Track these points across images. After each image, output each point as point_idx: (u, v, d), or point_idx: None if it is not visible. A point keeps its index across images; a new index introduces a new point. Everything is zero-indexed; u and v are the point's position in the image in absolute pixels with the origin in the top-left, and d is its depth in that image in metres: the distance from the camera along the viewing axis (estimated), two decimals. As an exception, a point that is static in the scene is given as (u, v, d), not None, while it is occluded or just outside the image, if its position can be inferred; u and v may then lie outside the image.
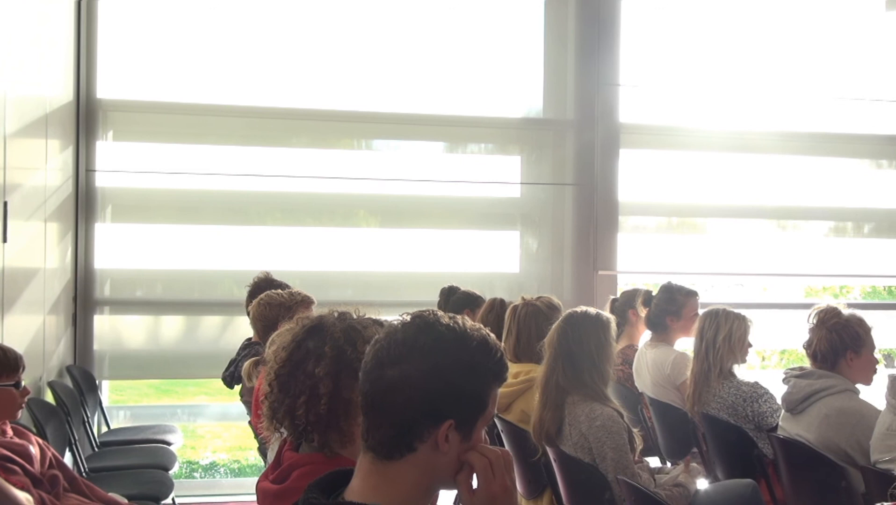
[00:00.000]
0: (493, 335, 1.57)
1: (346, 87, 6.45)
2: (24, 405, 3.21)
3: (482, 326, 1.57)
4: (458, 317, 1.55)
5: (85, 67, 6.04)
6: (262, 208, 6.48)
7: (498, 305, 4.58)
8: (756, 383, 4.02)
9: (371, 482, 1.51)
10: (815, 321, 3.68)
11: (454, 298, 5.13)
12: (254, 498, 2.00)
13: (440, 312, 1.55)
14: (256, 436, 3.83)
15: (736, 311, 4.12)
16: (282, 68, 6.36)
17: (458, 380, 1.49)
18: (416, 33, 6.59)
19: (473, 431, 1.52)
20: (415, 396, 1.47)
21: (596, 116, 6.66)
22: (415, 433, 1.48)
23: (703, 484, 3.73)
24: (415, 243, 6.64)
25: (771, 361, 9.15)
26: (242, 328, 5.52)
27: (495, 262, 6.78)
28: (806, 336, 3.72)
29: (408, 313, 1.56)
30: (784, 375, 3.76)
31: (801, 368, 3.71)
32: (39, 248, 5.18)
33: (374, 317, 1.98)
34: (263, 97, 6.33)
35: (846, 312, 3.66)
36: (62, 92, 5.70)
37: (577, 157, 6.70)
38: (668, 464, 4.58)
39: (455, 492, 4.30)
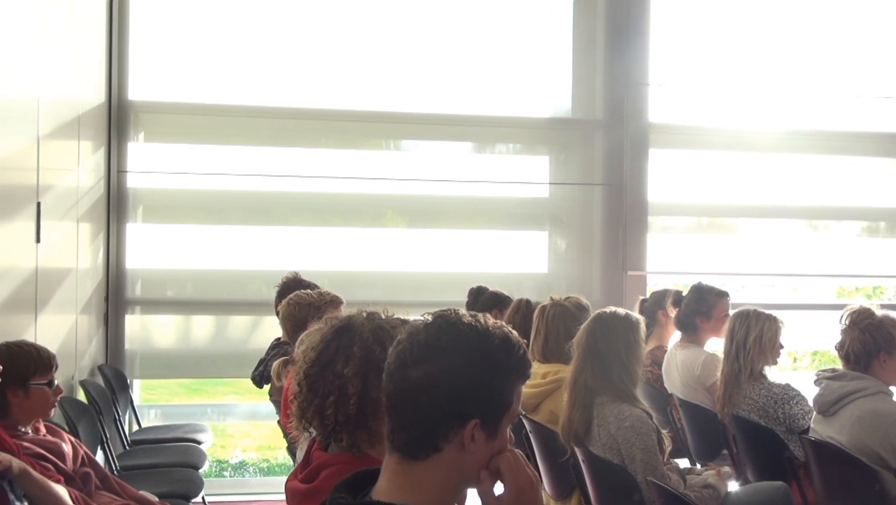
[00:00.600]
0: (515, 332, 1.56)
1: (375, 88, 6.46)
2: (56, 404, 3.24)
3: (504, 323, 1.57)
4: (480, 315, 1.55)
5: (117, 69, 6.09)
6: (291, 209, 6.51)
7: (524, 306, 4.56)
8: (787, 385, 3.98)
9: (398, 482, 1.51)
10: (847, 322, 3.63)
11: (482, 299, 5.12)
12: (283, 497, 2.01)
13: (462, 311, 1.54)
14: (285, 435, 3.85)
15: (767, 311, 4.09)
16: (310, 69, 6.38)
17: (482, 379, 1.49)
18: (444, 33, 6.59)
19: (499, 430, 1.52)
20: (439, 397, 1.47)
21: (625, 116, 6.62)
22: (440, 433, 1.48)
23: (733, 486, 3.70)
24: (443, 243, 6.64)
25: (802, 363, 9.05)
26: (271, 328, 5.55)
27: (524, 262, 6.77)
28: (838, 337, 3.68)
29: (430, 313, 1.55)
30: (816, 377, 3.72)
31: (833, 370, 3.67)
32: (72, 248, 5.24)
33: (402, 317, 1.98)
34: (292, 98, 6.36)
35: (879, 312, 3.61)
36: (94, 94, 5.76)
37: (605, 157, 6.67)
38: (698, 465, 4.54)
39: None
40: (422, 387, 1.48)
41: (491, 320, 1.55)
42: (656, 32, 6.68)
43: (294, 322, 4.00)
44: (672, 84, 6.82)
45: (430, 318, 1.54)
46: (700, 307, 4.75)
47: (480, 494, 1.56)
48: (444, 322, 1.52)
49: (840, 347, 3.64)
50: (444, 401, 1.47)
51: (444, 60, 6.58)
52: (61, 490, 2.74)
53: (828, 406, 3.57)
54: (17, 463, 2.57)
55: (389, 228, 6.64)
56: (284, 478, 2.10)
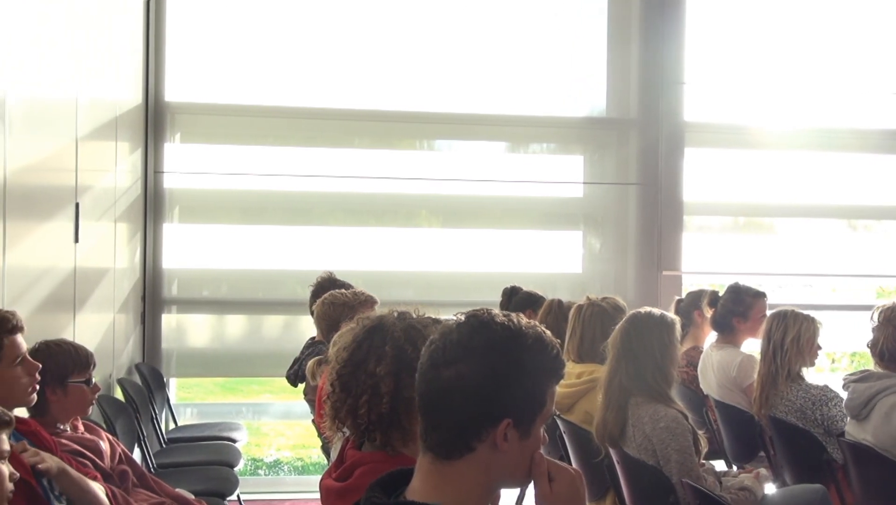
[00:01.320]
0: (548, 332, 1.55)
1: (408, 88, 6.47)
2: (94, 402, 3.28)
3: (538, 323, 1.56)
4: (513, 315, 1.54)
5: (153, 71, 6.16)
6: (325, 209, 6.54)
7: (556, 307, 4.54)
8: (826, 386, 3.92)
9: (431, 482, 1.51)
10: (879, 319, 3.57)
11: (516, 299, 5.10)
12: (317, 495, 2.01)
13: (495, 311, 1.53)
14: (320, 434, 3.86)
15: (804, 312, 4.04)
16: (344, 70, 6.40)
17: (515, 379, 1.48)
18: (479, 33, 6.57)
19: (532, 429, 1.51)
20: (471, 397, 1.47)
21: (660, 115, 6.57)
22: (473, 433, 1.48)
23: (770, 489, 3.66)
24: (476, 243, 6.62)
25: (841, 364, 8.92)
26: (306, 327, 5.58)
27: (558, 262, 6.74)
28: (870, 335, 3.62)
29: (462, 312, 1.54)
30: (843, 382, 3.67)
31: (860, 373, 3.61)
32: (109, 248, 5.29)
33: (433, 316, 1.98)
34: (326, 99, 6.39)
35: None
36: (131, 95, 5.82)
37: (640, 156, 6.62)
38: (734, 468, 4.50)
39: (517, 491, 4.29)
40: (454, 387, 1.47)
41: (524, 320, 1.54)
42: (692, 30, 6.63)
43: (328, 321, 4.00)
44: (708, 82, 6.76)
45: (462, 317, 1.53)
46: (737, 307, 4.70)
47: (537, 492, 1.56)
48: (477, 322, 1.51)
49: (873, 345, 3.58)
50: (476, 401, 1.47)
51: (478, 60, 6.57)
52: (98, 488, 2.77)
53: (859, 409, 3.51)
54: (55, 462, 2.60)
55: (423, 228, 6.65)
56: (318, 476, 2.11)
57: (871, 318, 3.62)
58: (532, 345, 1.50)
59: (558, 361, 1.54)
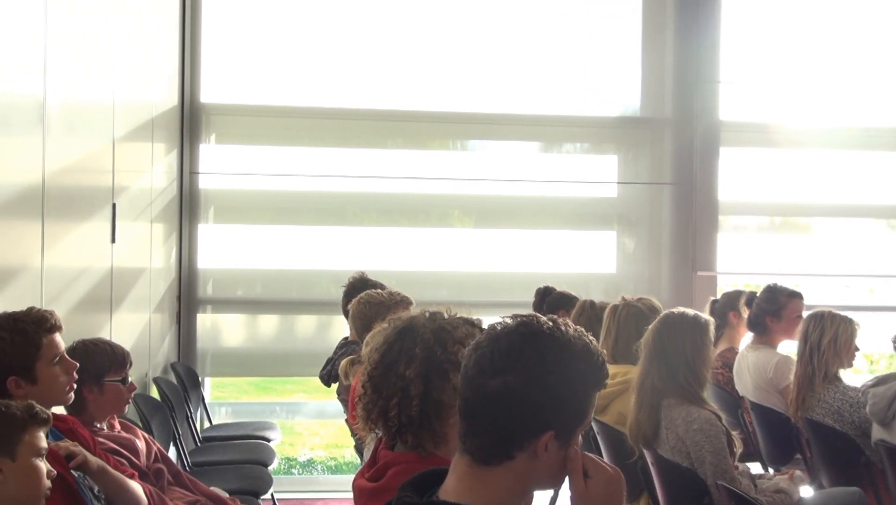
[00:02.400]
0: (594, 340, 1.53)
1: (442, 88, 6.48)
2: (130, 400, 3.31)
3: (584, 331, 1.54)
4: (561, 322, 1.52)
5: (189, 72, 6.21)
6: (359, 209, 6.56)
7: (588, 308, 4.51)
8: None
9: (466, 484, 1.50)
10: None
11: (550, 299, 5.09)
12: (350, 495, 2.02)
13: (543, 319, 1.51)
14: (353, 434, 3.87)
15: (842, 313, 3.99)
16: (378, 71, 6.42)
17: (561, 392, 1.47)
18: (512, 32, 6.56)
19: (572, 439, 1.51)
20: (517, 408, 1.46)
21: (695, 114, 6.52)
22: (515, 442, 1.47)
23: (806, 492, 3.61)
24: (510, 243, 6.61)
25: (880, 366, 8.81)
26: (339, 327, 5.60)
27: (591, 262, 6.71)
28: None
29: (509, 316, 1.53)
30: (861, 390, 3.62)
31: (874, 378, 3.56)
32: (146, 248, 5.35)
33: (465, 316, 1.97)
34: (360, 99, 6.41)
35: None
36: (167, 96, 5.88)
37: (675, 155, 6.58)
38: (770, 470, 4.45)
39: (551, 492, 4.27)
40: (501, 397, 1.46)
41: (571, 328, 1.52)
42: (727, 28, 6.57)
43: (364, 321, 4.00)
44: (743, 81, 6.70)
45: (510, 322, 1.51)
46: (770, 307, 4.66)
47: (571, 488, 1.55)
48: (527, 330, 1.49)
49: None
50: (521, 413, 1.46)
51: (511, 59, 6.56)
52: (136, 487, 2.80)
53: (883, 413, 3.45)
54: (93, 460, 2.63)
55: (456, 228, 6.65)
56: (352, 476, 2.11)
57: None
58: (580, 356, 1.49)
59: (603, 371, 1.53)
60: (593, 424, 3.93)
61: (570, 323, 1.54)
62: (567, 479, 1.53)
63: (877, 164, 6.85)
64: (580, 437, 1.55)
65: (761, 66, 6.74)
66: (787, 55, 6.73)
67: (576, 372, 1.48)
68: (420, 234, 6.57)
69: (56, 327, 2.71)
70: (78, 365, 2.82)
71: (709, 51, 6.53)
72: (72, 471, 2.53)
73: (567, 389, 1.47)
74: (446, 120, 6.53)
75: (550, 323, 1.50)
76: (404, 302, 4.02)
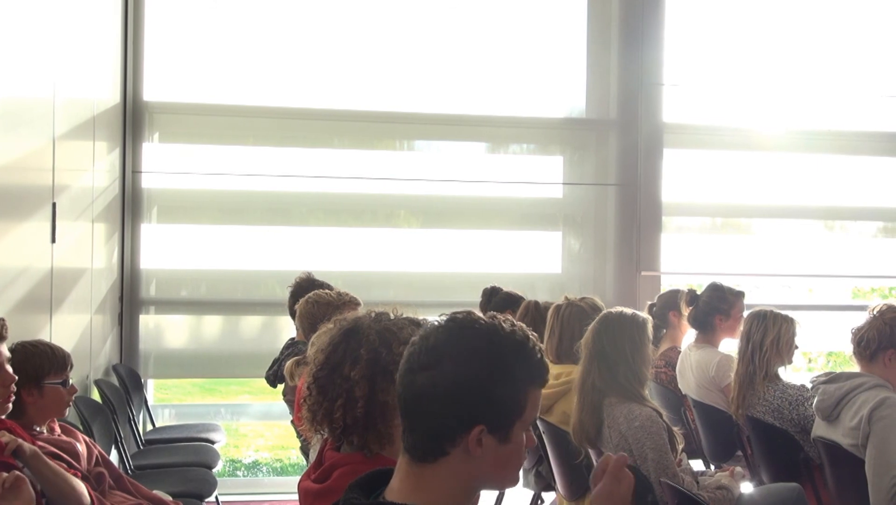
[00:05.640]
0: (534, 336, 1.54)
1: (388, 88, 6.46)
2: (71, 403, 3.25)
3: (525, 327, 1.54)
4: (499, 317, 1.52)
5: (132, 70, 6.12)
6: (305, 209, 6.52)
7: (532, 308, 4.54)
8: (802, 386, 3.95)
9: (409, 483, 1.51)
10: (876, 312, 3.56)
11: (496, 299, 5.11)
12: (296, 497, 2.01)
13: (476, 315, 1.52)
14: (299, 435, 3.85)
15: (783, 312, 4.06)
16: (323, 70, 6.39)
17: (489, 386, 1.47)
18: (458, 33, 6.58)
19: (510, 435, 1.50)
20: (443, 403, 1.46)
21: (639, 116, 6.60)
22: (446, 438, 1.47)
23: (747, 488, 3.68)
24: (456, 244, 6.63)
25: (817, 364, 9.00)
26: (285, 328, 5.56)
27: (537, 262, 6.75)
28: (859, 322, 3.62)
29: (445, 314, 1.53)
30: (811, 384, 3.68)
31: (826, 374, 3.62)
32: (87, 248, 5.26)
33: (412, 317, 1.97)
34: (306, 99, 6.37)
35: None
36: (109, 94, 5.79)
37: (620, 157, 6.65)
38: (712, 467, 4.53)
39: (496, 492, 4.29)
40: (427, 392, 1.47)
41: (508, 324, 1.52)
42: (671, 32, 6.66)
43: (311, 320, 3.98)
44: (686, 84, 6.80)
45: (443, 320, 1.52)
46: (721, 305, 4.73)
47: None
48: (455, 326, 1.50)
49: (857, 331, 3.57)
50: (448, 407, 1.46)
51: (458, 60, 6.58)
52: (77, 481, 2.76)
53: (829, 410, 3.51)
54: (27, 445, 2.58)
55: (402, 229, 6.64)
56: (297, 478, 2.10)
57: (870, 311, 3.61)
58: (510, 351, 1.49)
59: (540, 367, 1.52)
60: (539, 423, 3.95)
61: (512, 320, 1.54)
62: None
63: (815, 166, 6.99)
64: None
65: (704, 70, 6.85)
66: (730, 59, 6.85)
67: (505, 366, 1.48)
68: (366, 235, 6.54)
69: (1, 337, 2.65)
70: (16, 378, 2.77)
71: (653, 54, 6.61)
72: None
73: (493, 383, 1.47)
74: (393, 120, 6.52)
75: (484, 319, 1.50)
76: (352, 302, 4.01)
